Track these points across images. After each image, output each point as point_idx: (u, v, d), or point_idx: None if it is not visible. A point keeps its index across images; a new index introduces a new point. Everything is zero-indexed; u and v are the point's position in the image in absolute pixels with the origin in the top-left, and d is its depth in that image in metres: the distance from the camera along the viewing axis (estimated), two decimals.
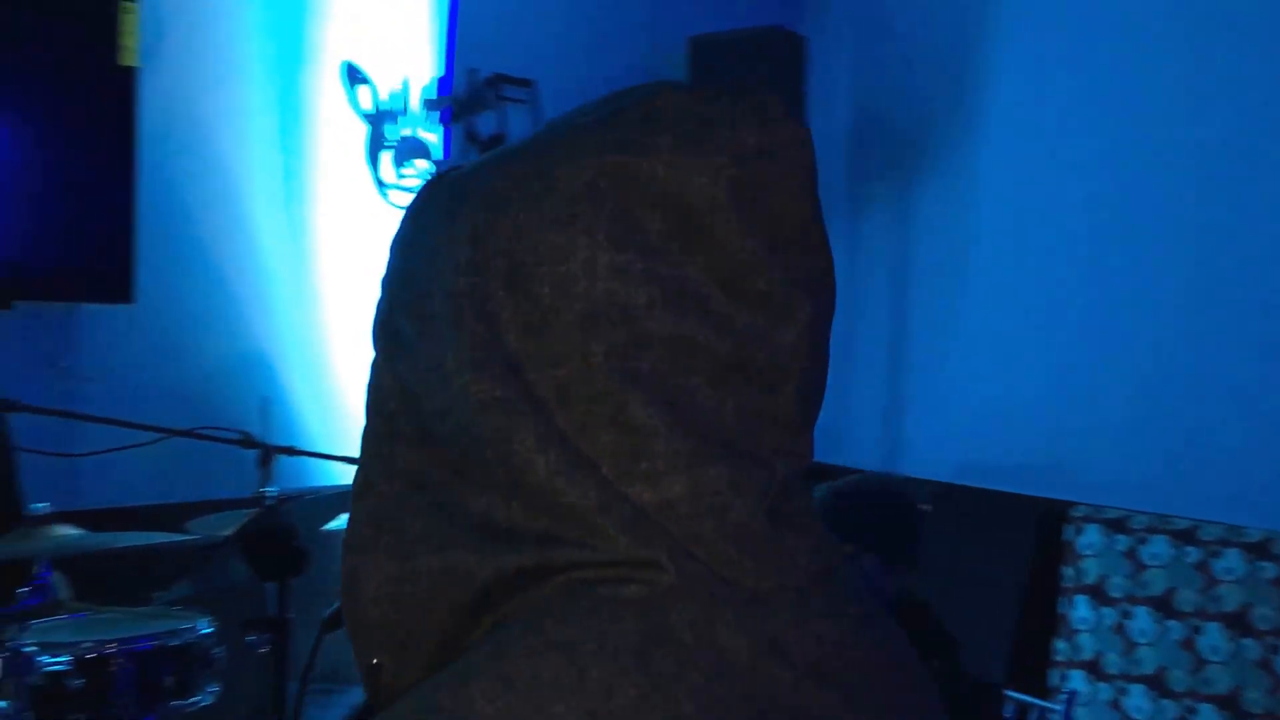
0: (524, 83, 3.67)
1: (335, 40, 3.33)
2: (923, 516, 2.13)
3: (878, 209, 4.05)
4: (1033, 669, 3.33)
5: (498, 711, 0.57)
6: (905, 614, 2.08)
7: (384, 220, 3.43)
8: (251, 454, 2.66)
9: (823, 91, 4.12)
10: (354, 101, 3.36)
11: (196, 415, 2.67)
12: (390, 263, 0.68)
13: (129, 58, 2.85)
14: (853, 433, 4.09)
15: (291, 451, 2.73)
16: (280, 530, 2.30)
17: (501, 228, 0.62)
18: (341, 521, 2.58)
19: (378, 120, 3.41)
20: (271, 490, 2.62)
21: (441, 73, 3.52)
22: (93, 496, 2.79)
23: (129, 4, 2.84)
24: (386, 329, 0.68)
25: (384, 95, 3.41)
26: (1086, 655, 3.24)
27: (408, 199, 3.36)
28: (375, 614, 0.65)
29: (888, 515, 2.04)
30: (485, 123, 3.59)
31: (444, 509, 0.64)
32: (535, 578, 0.61)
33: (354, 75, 3.36)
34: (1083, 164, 3.40)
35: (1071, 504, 3.34)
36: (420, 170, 3.49)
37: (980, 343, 3.69)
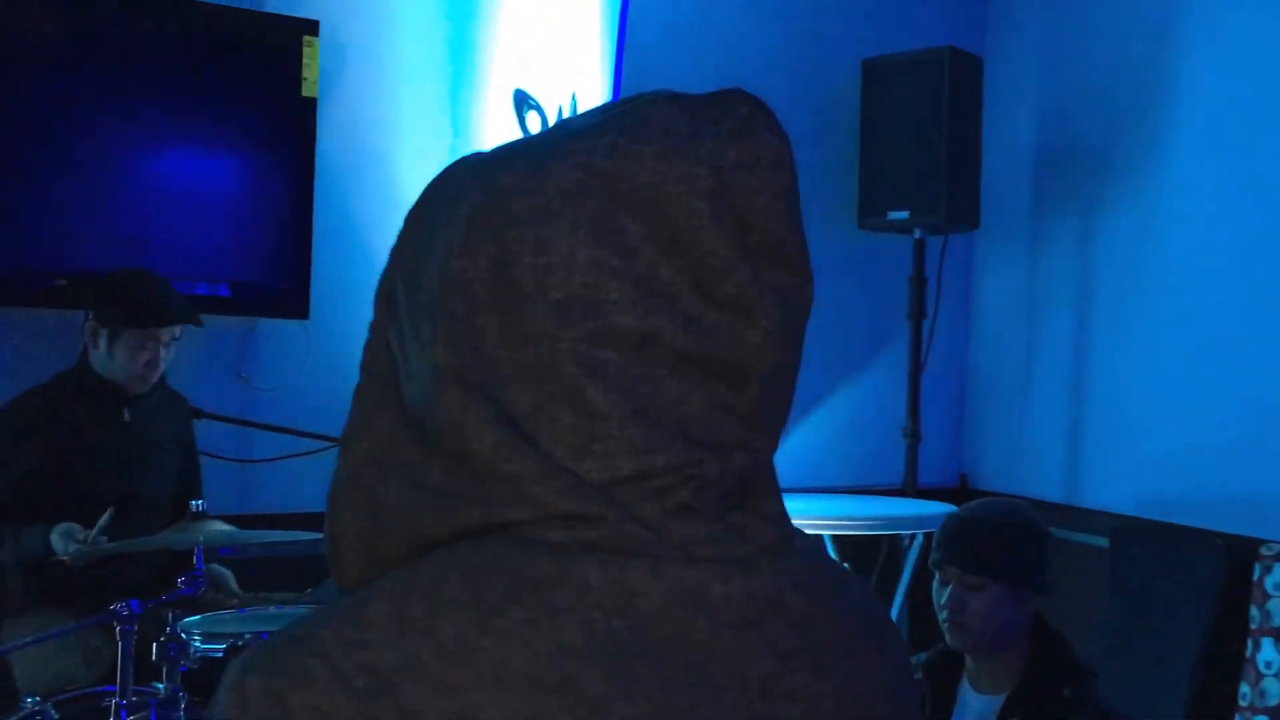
0: None
1: (506, 67, 3.45)
2: (1050, 542, 2.04)
3: (1060, 234, 3.93)
4: (1214, 713, 3.16)
5: (387, 617, 0.63)
6: (1037, 642, 2.00)
7: None
8: None
9: (1002, 114, 4.03)
10: (523, 127, 3.48)
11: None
12: (401, 232, 0.73)
13: (310, 89, 3.02)
14: (1033, 463, 3.97)
15: None
16: None
17: (494, 215, 0.67)
18: None
19: None
20: None
21: (609, 97, 3.60)
22: (265, 500, 2.95)
23: (311, 39, 3.02)
24: (386, 295, 0.73)
25: (551, 119, 3.51)
26: (1271, 701, 3.05)
27: None
28: (351, 559, 0.71)
29: (1015, 540, 1.97)
30: None
31: (410, 473, 0.69)
32: (479, 534, 0.65)
33: (523, 101, 3.47)
34: (1276, 190, 3.23)
35: (1261, 541, 3.16)
36: None
37: (1165, 372, 3.53)
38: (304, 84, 3.01)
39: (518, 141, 0.72)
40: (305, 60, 3.00)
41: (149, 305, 2.55)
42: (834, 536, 3.48)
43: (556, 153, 0.67)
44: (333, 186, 3.14)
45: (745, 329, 0.67)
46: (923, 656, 2.13)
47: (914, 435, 3.86)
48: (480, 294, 0.66)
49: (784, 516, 0.72)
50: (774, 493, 0.72)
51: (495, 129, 3.44)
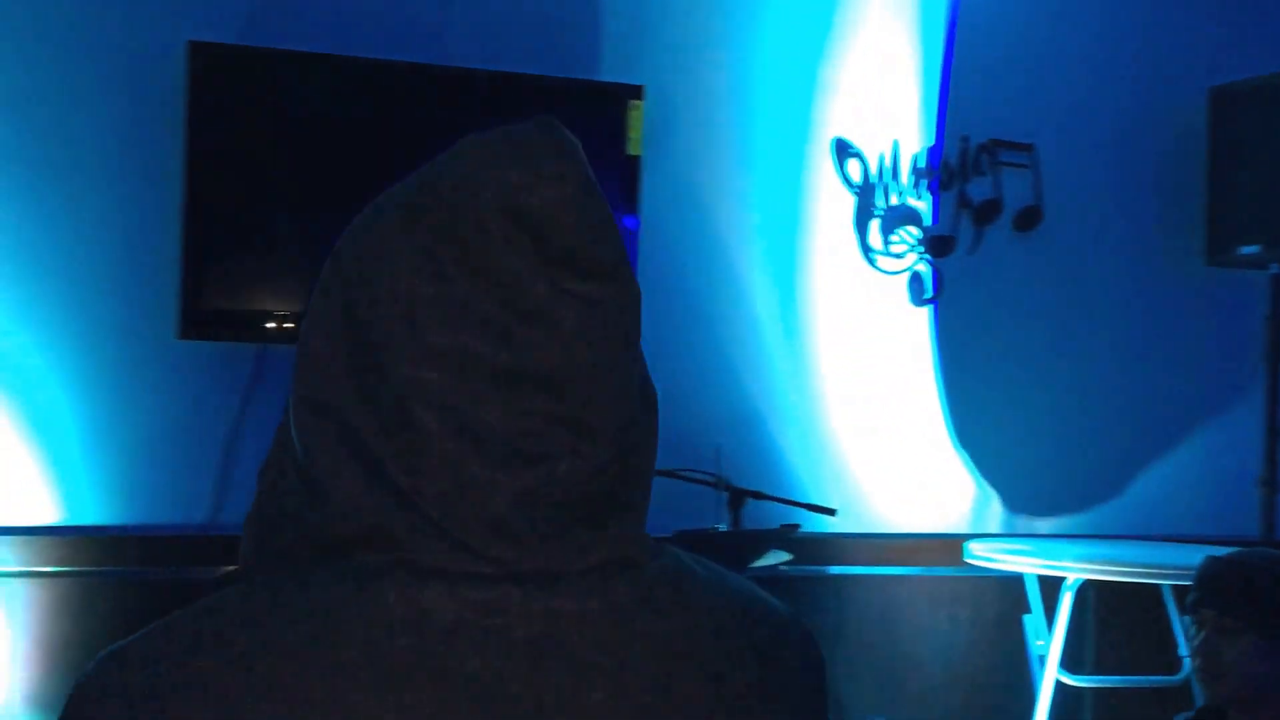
0: (1023, 147, 3.70)
1: (827, 115, 3.57)
2: None
3: None
4: None
5: (192, 631, 0.71)
6: None
7: (872, 287, 3.60)
8: (715, 494, 2.93)
9: None
10: (843, 174, 3.58)
11: (673, 459, 2.99)
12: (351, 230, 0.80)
13: (634, 148, 3.27)
14: (1229, 502, 3.70)
15: (759, 495, 2.97)
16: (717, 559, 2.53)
17: (343, 257, 0.77)
18: (766, 559, 2.77)
19: (867, 191, 3.59)
20: (722, 527, 2.87)
21: (932, 141, 3.64)
22: None
23: (636, 102, 3.27)
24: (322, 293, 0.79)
25: (873, 166, 3.59)
26: None
27: (896, 265, 3.53)
28: (253, 530, 0.79)
29: (1268, 591, 1.86)
30: (979, 189, 3.65)
31: (278, 490, 0.78)
32: (318, 551, 0.73)
33: (844, 149, 3.58)
34: None
35: None
36: (909, 238, 3.62)
37: None
38: (629, 143, 3.26)
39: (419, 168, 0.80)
40: (630, 121, 3.26)
41: None
42: (1174, 587, 3.33)
43: (388, 195, 0.77)
44: (659, 239, 3.37)
45: (549, 338, 0.71)
46: (1183, 717, 2.04)
47: (1270, 485, 3.62)
48: (332, 330, 0.74)
49: (634, 535, 0.75)
50: (629, 508, 0.75)
51: (817, 179, 3.56)
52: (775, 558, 2.82)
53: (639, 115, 3.27)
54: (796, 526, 2.93)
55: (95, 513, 3.10)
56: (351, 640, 0.68)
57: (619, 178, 3.26)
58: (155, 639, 0.71)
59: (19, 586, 3.06)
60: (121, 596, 3.11)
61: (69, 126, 3.07)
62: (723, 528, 2.83)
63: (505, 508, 0.70)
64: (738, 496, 2.94)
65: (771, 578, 3.21)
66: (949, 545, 3.52)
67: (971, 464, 3.68)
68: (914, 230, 3.63)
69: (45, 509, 3.08)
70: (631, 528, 0.75)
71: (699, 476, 2.94)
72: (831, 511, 3.01)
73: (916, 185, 3.63)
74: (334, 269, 0.76)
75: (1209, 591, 1.91)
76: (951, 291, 3.66)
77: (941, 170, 3.64)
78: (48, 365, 3.07)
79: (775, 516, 2.98)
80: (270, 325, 3.11)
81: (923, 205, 3.64)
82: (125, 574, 3.10)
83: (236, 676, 0.67)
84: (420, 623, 0.68)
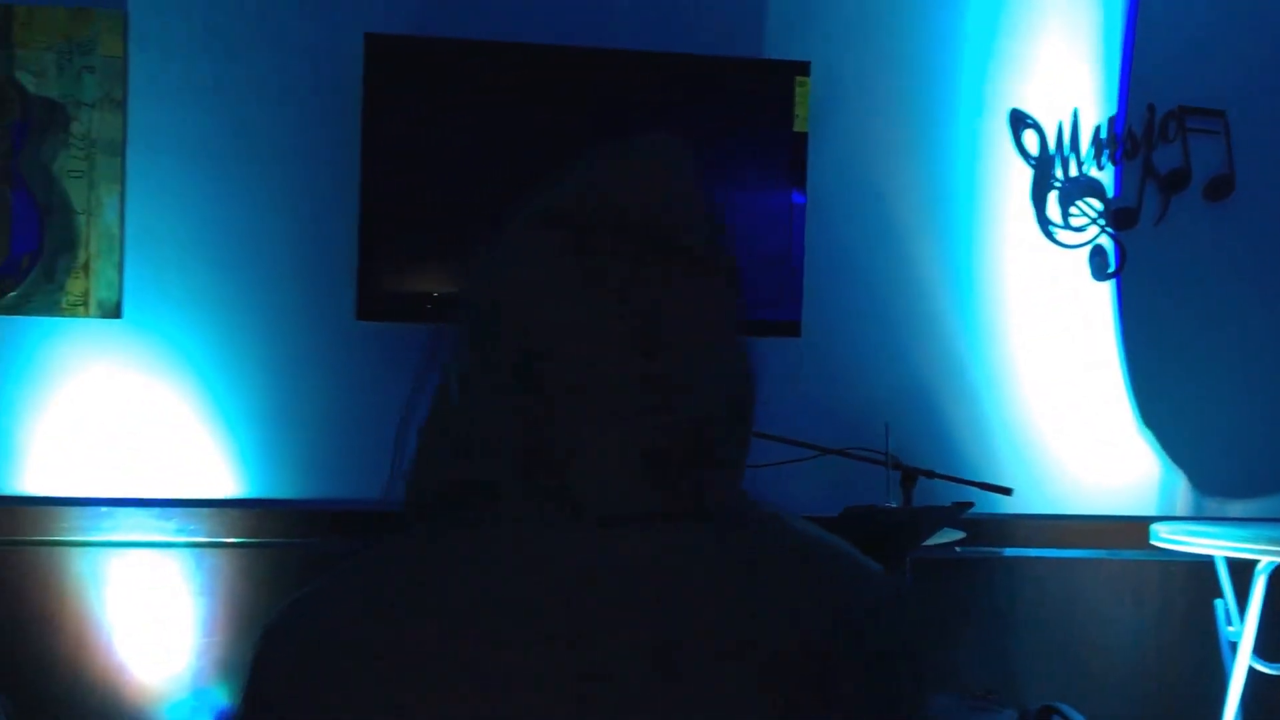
0: (1213, 113, 3.52)
1: (1002, 86, 3.46)
2: None
3: None
4: None
5: (359, 569, 0.87)
6: None
7: (1050, 262, 3.48)
8: (885, 472, 2.88)
9: None
10: (1020, 146, 3.47)
11: (845, 438, 2.95)
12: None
13: (801, 124, 3.23)
14: None
15: (931, 474, 2.91)
16: (886, 536, 2.49)
17: (494, 240, 0.94)
18: (937, 537, 2.70)
19: (1044, 163, 3.47)
20: (893, 504, 2.81)
21: (1114, 109, 3.50)
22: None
23: (803, 78, 3.23)
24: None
25: (1051, 137, 3.47)
26: None
27: (1076, 238, 3.40)
28: (411, 485, 0.94)
29: None
30: (1165, 158, 3.50)
31: (439, 432, 0.95)
32: (460, 495, 0.87)
33: (1020, 120, 3.46)
34: None
35: None
36: (1090, 210, 3.49)
37: None
38: (795, 120, 3.22)
39: None
40: (797, 99, 3.22)
41: None
42: None
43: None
44: (827, 214, 3.32)
45: (655, 308, 0.82)
46: None
47: None
48: (481, 312, 0.89)
49: (731, 488, 0.86)
50: (725, 464, 0.85)
51: (991, 152, 3.46)
52: (947, 536, 2.76)
53: (805, 92, 3.23)
54: (970, 505, 2.85)
55: (276, 486, 3.22)
56: (452, 585, 0.82)
57: (786, 154, 3.23)
58: (333, 585, 0.86)
59: (204, 556, 3.20)
60: (300, 566, 3.22)
61: (252, 118, 3.19)
62: (893, 505, 2.77)
63: (615, 459, 0.81)
64: (909, 474, 2.88)
65: (944, 558, 3.14)
66: (1134, 528, 3.38)
67: (1157, 444, 3.53)
68: (1095, 202, 3.49)
69: (230, 483, 3.21)
70: (728, 482, 0.86)
71: (869, 454, 2.89)
72: (1007, 491, 2.92)
73: (1098, 156, 3.49)
74: (477, 261, 0.91)
75: None
76: (1135, 265, 3.51)
77: (1125, 139, 3.49)
78: (234, 347, 3.20)
79: (948, 496, 2.90)
80: (442, 307, 3.17)
81: (1104, 176, 3.50)
82: (303, 545, 3.22)
83: (400, 604, 0.81)
84: (541, 564, 0.81)
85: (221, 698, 3.22)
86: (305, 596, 0.86)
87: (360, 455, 3.22)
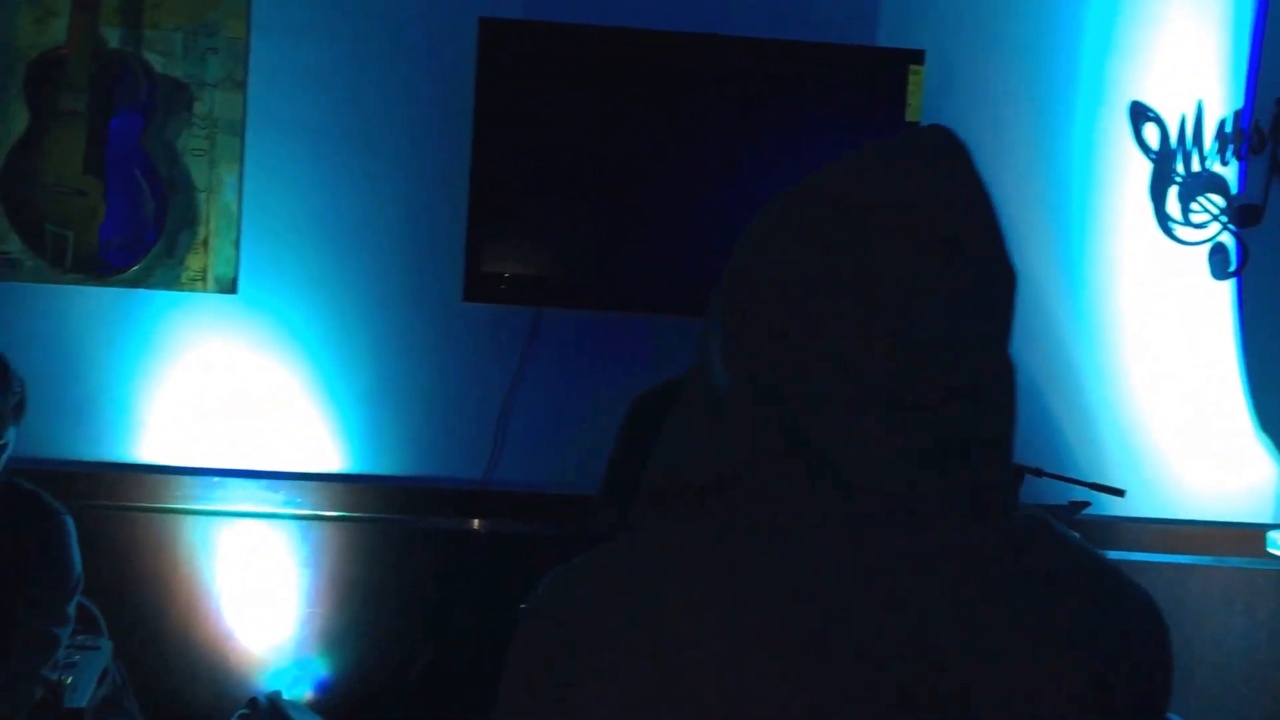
0: None
1: (1121, 77, 3.37)
2: None
3: None
4: None
5: (632, 555, 0.84)
6: None
7: (1168, 259, 3.38)
8: None
9: None
10: (1139, 139, 3.37)
11: None
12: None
13: (913, 114, 3.18)
14: None
15: (1040, 473, 2.85)
16: None
17: (763, 231, 0.93)
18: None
19: (1165, 157, 3.37)
20: None
21: (1240, 103, 3.38)
22: None
23: (916, 67, 3.18)
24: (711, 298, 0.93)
25: (1173, 131, 3.37)
26: None
27: (1196, 235, 3.30)
28: (646, 483, 0.90)
29: None
30: None
31: (690, 422, 0.91)
32: (717, 484, 0.84)
33: (1140, 113, 3.37)
34: None
35: None
36: (1212, 207, 3.38)
37: None
38: (908, 109, 3.17)
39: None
40: (910, 87, 3.17)
41: None
42: None
43: (788, 192, 0.89)
44: None
45: (924, 309, 0.81)
46: None
47: None
48: (747, 297, 0.85)
49: (1003, 488, 0.82)
50: (995, 464, 0.82)
51: (1109, 145, 3.37)
52: None
53: (919, 81, 3.18)
54: (1087, 504, 2.79)
55: (380, 463, 3.28)
56: (760, 571, 0.78)
57: None
58: (597, 568, 0.84)
59: (310, 528, 3.27)
60: (402, 542, 3.28)
61: (366, 101, 3.24)
62: None
63: (890, 454, 0.78)
64: (1018, 472, 2.82)
65: None
66: (1248, 535, 3.28)
67: (1275, 450, 3.41)
68: (1217, 199, 3.39)
69: (336, 458, 3.27)
70: (1001, 481, 0.84)
71: None
72: (1120, 492, 2.85)
73: (1221, 150, 3.38)
74: (746, 249, 0.87)
75: None
76: (1258, 264, 3.39)
77: (1251, 134, 3.38)
78: (343, 324, 3.26)
79: (1058, 495, 2.84)
80: (547, 290, 3.20)
81: (1228, 172, 3.39)
82: (405, 522, 3.27)
83: (664, 596, 0.79)
84: (811, 559, 0.78)
85: (322, 668, 3.29)
86: (566, 576, 0.85)
87: (462, 435, 3.26)
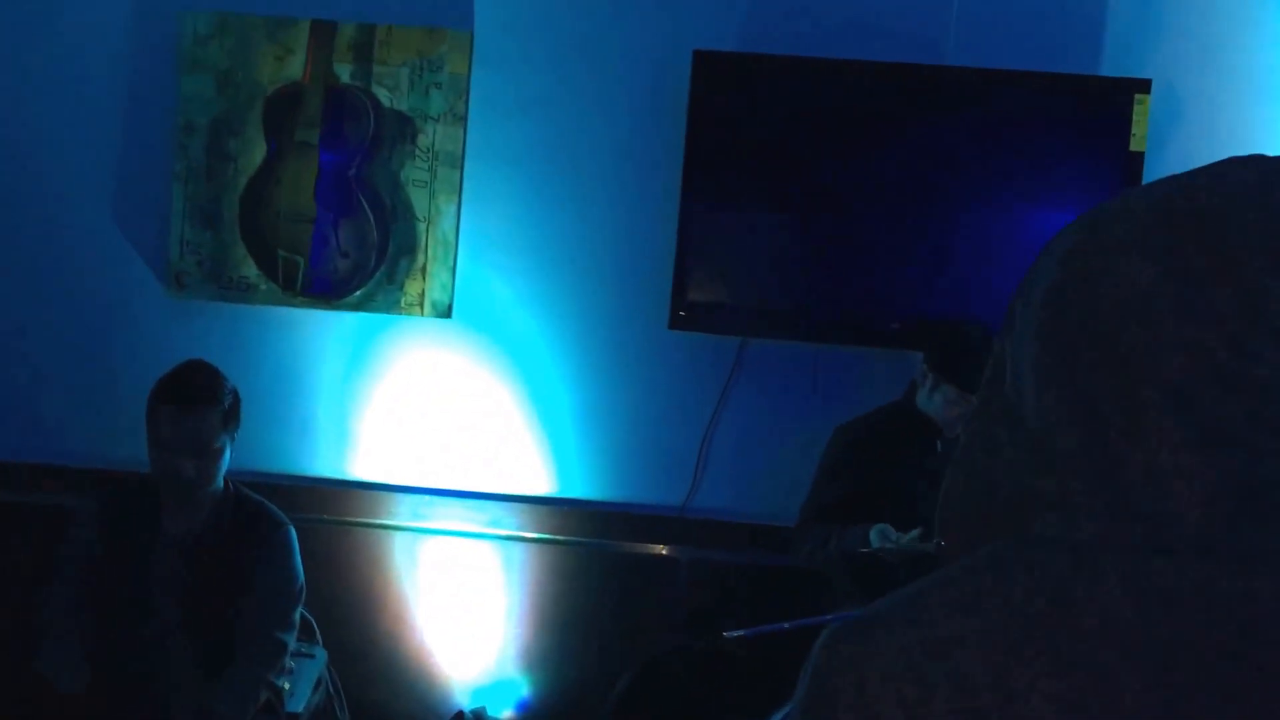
0: None
1: None
2: None
3: None
4: None
5: (937, 602, 0.76)
6: None
7: None
8: None
9: None
10: None
11: None
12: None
13: (1138, 144, 3.07)
14: None
15: None
16: None
17: (1089, 238, 0.80)
18: None
19: None
20: None
21: None
22: None
23: (1142, 96, 3.07)
24: (1009, 310, 0.85)
25: None
26: None
27: None
28: (944, 515, 0.86)
29: None
30: None
31: (992, 448, 0.84)
32: (1019, 510, 0.79)
33: None
34: None
35: None
36: None
37: None
38: (1132, 139, 3.06)
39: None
40: (1135, 117, 3.06)
41: (972, 367, 2.73)
42: None
43: (1126, 196, 0.78)
44: None
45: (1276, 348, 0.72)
46: None
47: None
48: (1071, 312, 0.77)
49: None
50: None
51: None
52: None
53: (1144, 110, 3.07)
54: None
55: (584, 487, 3.32)
56: (1086, 611, 0.72)
57: (1120, 174, 3.08)
58: (895, 612, 0.77)
59: (516, 549, 3.33)
60: (604, 566, 3.31)
61: (579, 132, 3.31)
62: None
63: (1207, 491, 0.73)
64: None
65: None
66: None
67: None
68: None
69: (543, 480, 3.33)
70: None
71: None
72: None
73: None
74: (1071, 256, 0.79)
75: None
76: None
77: None
78: (552, 350, 3.33)
79: None
80: (752, 320, 3.20)
81: None
82: (606, 546, 3.30)
83: (1001, 635, 0.73)
84: (1144, 599, 0.72)
85: (524, 687, 3.35)
86: (873, 617, 0.79)
87: (664, 462, 3.28)
